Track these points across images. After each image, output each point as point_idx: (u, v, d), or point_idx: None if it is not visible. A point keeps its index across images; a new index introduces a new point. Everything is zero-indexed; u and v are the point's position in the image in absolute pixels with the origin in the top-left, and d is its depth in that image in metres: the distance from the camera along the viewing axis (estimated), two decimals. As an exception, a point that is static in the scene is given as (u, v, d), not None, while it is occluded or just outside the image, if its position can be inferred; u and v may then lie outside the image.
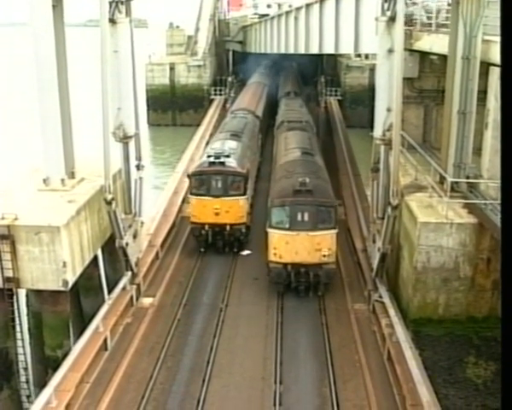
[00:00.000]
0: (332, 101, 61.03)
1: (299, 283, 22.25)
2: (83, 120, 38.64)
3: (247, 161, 28.06)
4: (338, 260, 23.84)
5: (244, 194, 25.85)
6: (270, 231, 22.33)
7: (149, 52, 67.79)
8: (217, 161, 25.49)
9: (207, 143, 37.47)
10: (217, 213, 25.24)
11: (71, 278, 19.72)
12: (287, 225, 21.92)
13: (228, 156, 25.95)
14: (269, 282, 22.90)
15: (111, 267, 24.42)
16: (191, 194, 25.94)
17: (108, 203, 19.90)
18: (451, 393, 18.35)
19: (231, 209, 25.49)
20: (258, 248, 25.21)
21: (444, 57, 22.35)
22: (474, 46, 19.74)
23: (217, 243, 26.12)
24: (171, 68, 66.99)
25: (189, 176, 26.49)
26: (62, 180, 22.18)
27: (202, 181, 25.51)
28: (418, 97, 27.11)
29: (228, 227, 25.55)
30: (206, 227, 25.58)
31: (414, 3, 27.23)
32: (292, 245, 21.81)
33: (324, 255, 21.76)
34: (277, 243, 22.07)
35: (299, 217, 21.81)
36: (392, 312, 19.66)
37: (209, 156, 26.04)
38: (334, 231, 22.13)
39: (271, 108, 48.90)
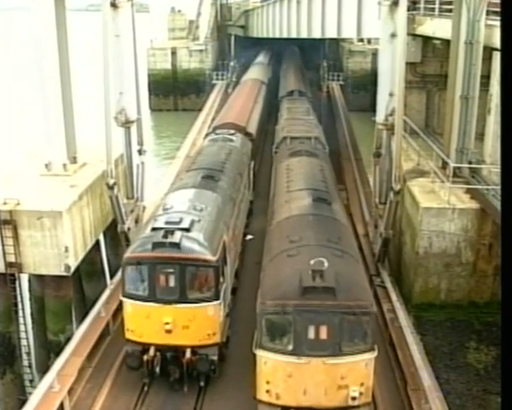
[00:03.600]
0: (334, 86, 60.73)
1: None
2: (84, 105, 38.59)
3: (224, 231, 17.48)
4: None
5: (216, 296, 15.79)
6: (260, 354, 13.89)
7: (151, 36, 67.51)
8: (167, 240, 15.36)
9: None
10: (168, 331, 15.62)
11: (73, 263, 19.75)
12: (289, 347, 13.56)
13: (188, 230, 15.75)
14: None
15: (113, 252, 24.43)
16: (124, 295, 15.90)
17: (110, 188, 19.90)
18: (452, 378, 18.38)
19: (193, 323, 15.74)
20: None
21: (447, 42, 22.28)
22: (478, 31, 19.66)
23: (170, 373, 16.21)
24: (173, 53, 66.73)
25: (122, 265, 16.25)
26: (64, 165, 22.16)
27: (142, 275, 15.71)
28: (421, 82, 27.05)
29: (188, 352, 15.82)
30: (151, 351, 15.83)
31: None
32: (298, 379, 13.64)
33: (354, 398, 13.63)
34: (273, 374, 13.83)
35: (312, 333, 13.50)
36: (393, 297, 19.67)
37: (155, 229, 15.89)
38: (369, 356, 13.77)
39: (270, 114, 42.12)
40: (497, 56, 19.36)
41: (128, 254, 16.01)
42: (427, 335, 19.21)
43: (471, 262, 19.49)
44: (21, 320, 20.51)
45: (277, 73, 55.10)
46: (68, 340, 18.09)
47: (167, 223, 16.08)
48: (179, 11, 77.38)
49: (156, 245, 15.45)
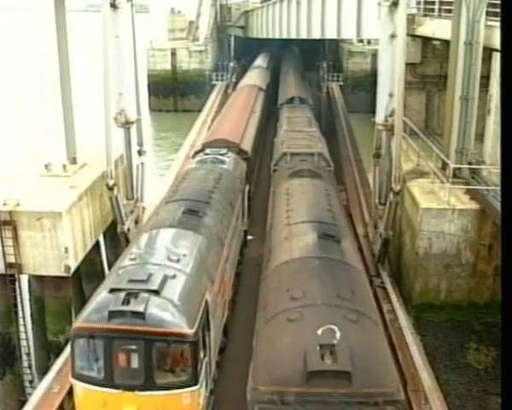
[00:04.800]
0: (334, 86, 60.72)
1: None
2: (84, 105, 38.59)
3: (207, 287, 14.02)
4: None
5: (193, 380, 12.32)
6: None
7: (151, 37, 67.52)
8: (128, 308, 11.87)
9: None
10: None
11: (73, 264, 19.73)
12: None
13: (157, 292, 12.23)
14: None
15: (113, 253, 24.39)
16: (74, 376, 12.51)
17: (110, 189, 19.90)
18: (452, 378, 18.37)
19: None
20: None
21: (446, 42, 22.28)
22: (477, 31, 19.66)
23: None
24: (173, 54, 66.66)
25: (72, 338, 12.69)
26: (64, 166, 22.14)
27: (95, 352, 12.21)
28: (420, 83, 27.05)
29: None
30: None
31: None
32: None
33: None
34: None
35: None
36: (393, 297, 19.67)
37: (114, 291, 12.32)
38: None
39: (269, 123, 39.71)
40: (496, 57, 19.36)
41: (78, 322, 12.34)
42: (427, 335, 19.20)
43: (471, 263, 19.48)
44: (21, 321, 20.48)
45: (277, 76, 54.47)
46: (68, 340, 18.04)
47: (131, 281, 12.41)
48: (179, 12, 77.36)
49: (114, 314, 11.78)
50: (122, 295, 12.05)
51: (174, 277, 13.07)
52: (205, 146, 25.68)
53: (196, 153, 25.39)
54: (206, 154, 23.65)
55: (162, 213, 17.37)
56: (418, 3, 25.79)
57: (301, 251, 14.94)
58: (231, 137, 26.90)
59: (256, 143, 31.09)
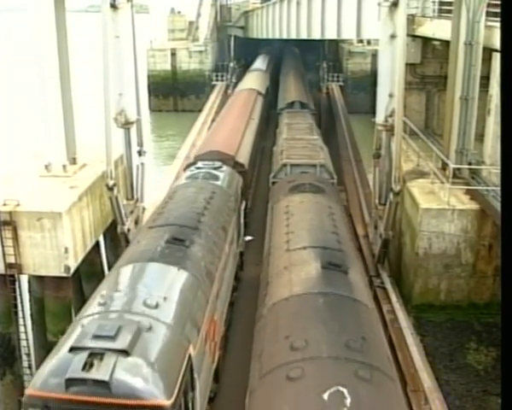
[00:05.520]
0: (334, 86, 60.74)
1: None
2: (84, 105, 38.57)
3: (192, 337, 11.98)
4: None
5: None
6: None
7: (151, 38, 67.57)
8: (89, 375, 9.64)
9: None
10: None
11: (73, 264, 19.72)
12: None
13: (127, 352, 10.06)
14: None
15: (113, 253, 24.39)
16: None
17: (110, 189, 19.89)
18: (452, 379, 18.37)
19: None
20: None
21: (446, 43, 22.29)
22: (477, 32, 19.67)
23: None
24: (173, 54, 66.74)
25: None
26: (64, 166, 22.13)
27: None
28: (420, 83, 27.07)
29: None
30: None
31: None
32: None
33: None
34: None
35: None
36: (393, 298, 19.66)
37: (74, 349, 10.18)
38: None
39: (268, 128, 38.18)
40: (496, 57, 19.37)
41: (31, 389, 10.17)
42: (427, 336, 19.20)
43: (471, 263, 19.48)
44: (21, 321, 20.48)
45: (277, 77, 53.99)
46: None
47: (95, 338, 10.21)
48: (179, 12, 77.47)
49: (72, 382, 9.63)
50: (84, 356, 9.82)
51: (150, 329, 10.81)
52: (197, 159, 23.69)
53: (189, 165, 23.32)
54: (198, 168, 21.75)
55: (143, 241, 15.17)
56: (433, 3, 25.46)
57: (303, 285, 13.10)
58: (226, 148, 24.86)
59: (254, 154, 29.31)
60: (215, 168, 21.42)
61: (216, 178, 20.57)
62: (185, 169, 23.13)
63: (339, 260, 14.29)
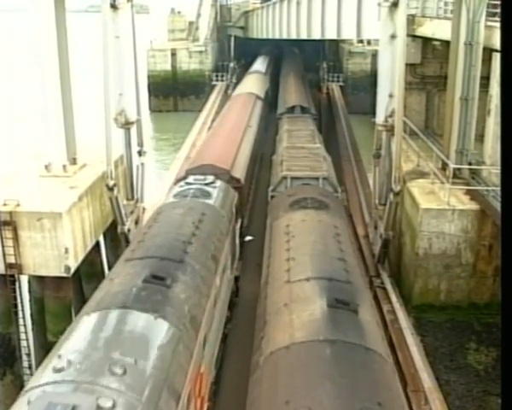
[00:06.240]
0: (334, 87, 60.73)
1: None
2: (84, 106, 38.54)
3: (171, 404, 9.95)
4: None
5: None
6: None
7: (151, 38, 67.60)
8: None
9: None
10: None
11: (73, 265, 19.73)
12: None
13: None
14: None
15: (113, 253, 24.40)
16: None
17: (110, 189, 19.89)
18: (452, 379, 18.37)
19: None
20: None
21: (446, 43, 22.29)
22: (477, 32, 19.68)
23: None
24: (173, 54, 66.76)
25: None
26: (64, 166, 22.14)
27: None
28: (420, 83, 27.08)
29: None
30: None
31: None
32: None
33: None
34: None
35: None
36: (393, 298, 19.66)
37: None
38: None
39: (267, 134, 36.07)
40: (496, 57, 19.36)
41: None
42: (427, 336, 19.20)
43: (471, 263, 19.48)
44: (21, 321, 20.48)
45: (277, 79, 53.38)
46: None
47: None
48: (179, 12, 77.49)
49: None
50: None
51: (113, 408, 8.61)
52: (188, 173, 21.50)
53: (179, 180, 21.20)
54: (188, 183, 19.69)
55: (116, 279, 12.80)
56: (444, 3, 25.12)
57: (305, 330, 11.26)
58: (221, 161, 22.55)
59: (251, 166, 27.33)
60: (207, 184, 19.48)
61: (207, 195, 18.51)
62: (176, 183, 21.15)
63: (347, 295, 12.48)
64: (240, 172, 23.21)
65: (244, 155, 26.27)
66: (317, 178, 21.44)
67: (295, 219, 16.94)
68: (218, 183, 19.91)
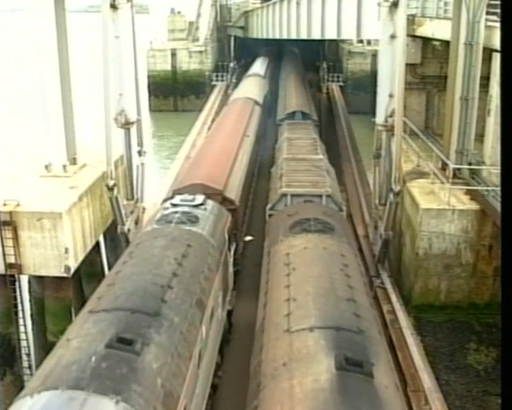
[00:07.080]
0: (334, 87, 60.71)
1: None
2: (84, 106, 38.54)
3: None
4: None
5: None
6: None
7: (151, 38, 67.61)
8: None
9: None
10: None
11: (73, 265, 19.73)
12: None
13: None
14: None
15: (113, 253, 24.41)
16: None
17: (110, 189, 19.89)
18: (452, 379, 18.38)
19: None
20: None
21: (446, 43, 22.28)
22: (477, 32, 19.66)
23: None
24: (173, 54, 66.80)
25: None
26: (64, 166, 22.15)
27: None
28: (420, 83, 27.08)
29: None
30: None
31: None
32: None
33: None
34: None
35: None
36: (393, 298, 19.65)
37: None
38: None
39: (267, 143, 33.95)
40: (496, 57, 19.36)
41: None
42: (427, 336, 19.20)
43: (471, 263, 19.47)
44: (21, 322, 20.49)
45: (276, 82, 52.20)
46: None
47: None
48: (179, 12, 77.46)
49: None
50: None
51: None
52: (175, 193, 19.11)
53: (165, 200, 18.94)
54: (174, 205, 17.28)
55: (73, 341, 10.23)
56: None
57: (309, 403, 9.15)
58: (212, 180, 20.08)
59: (247, 182, 24.89)
60: (195, 206, 17.09)
61: (195, 221, 15.96)
62: (163, 202, 18.79)
63: (359, 351, 10.36)
64: (234, 192, 20.90)
65: (240, 170, 23.78)
66: (319, 196, 19.82)
67: (296, 246, 14.90)
68: (209, 204, 17.66)
